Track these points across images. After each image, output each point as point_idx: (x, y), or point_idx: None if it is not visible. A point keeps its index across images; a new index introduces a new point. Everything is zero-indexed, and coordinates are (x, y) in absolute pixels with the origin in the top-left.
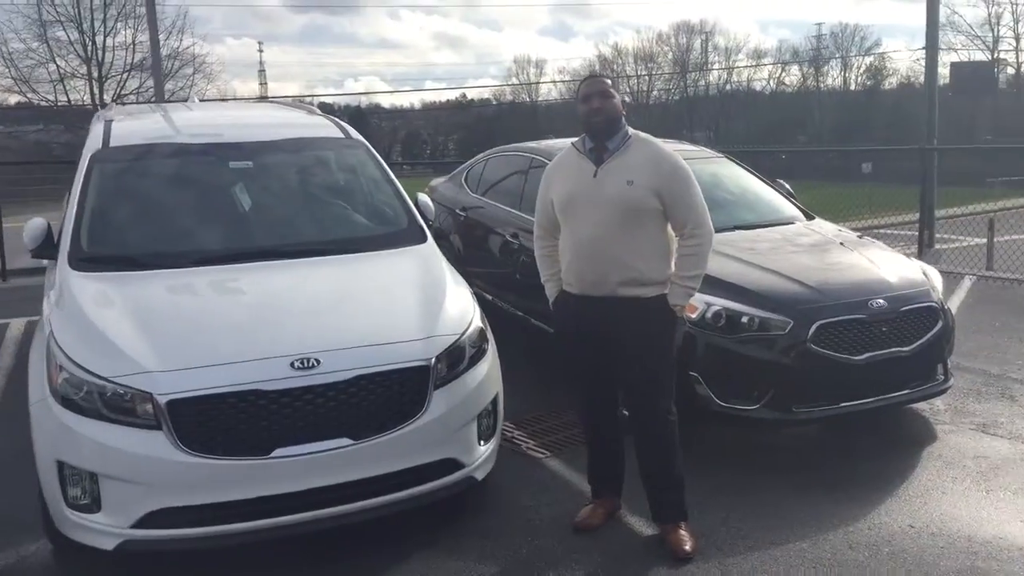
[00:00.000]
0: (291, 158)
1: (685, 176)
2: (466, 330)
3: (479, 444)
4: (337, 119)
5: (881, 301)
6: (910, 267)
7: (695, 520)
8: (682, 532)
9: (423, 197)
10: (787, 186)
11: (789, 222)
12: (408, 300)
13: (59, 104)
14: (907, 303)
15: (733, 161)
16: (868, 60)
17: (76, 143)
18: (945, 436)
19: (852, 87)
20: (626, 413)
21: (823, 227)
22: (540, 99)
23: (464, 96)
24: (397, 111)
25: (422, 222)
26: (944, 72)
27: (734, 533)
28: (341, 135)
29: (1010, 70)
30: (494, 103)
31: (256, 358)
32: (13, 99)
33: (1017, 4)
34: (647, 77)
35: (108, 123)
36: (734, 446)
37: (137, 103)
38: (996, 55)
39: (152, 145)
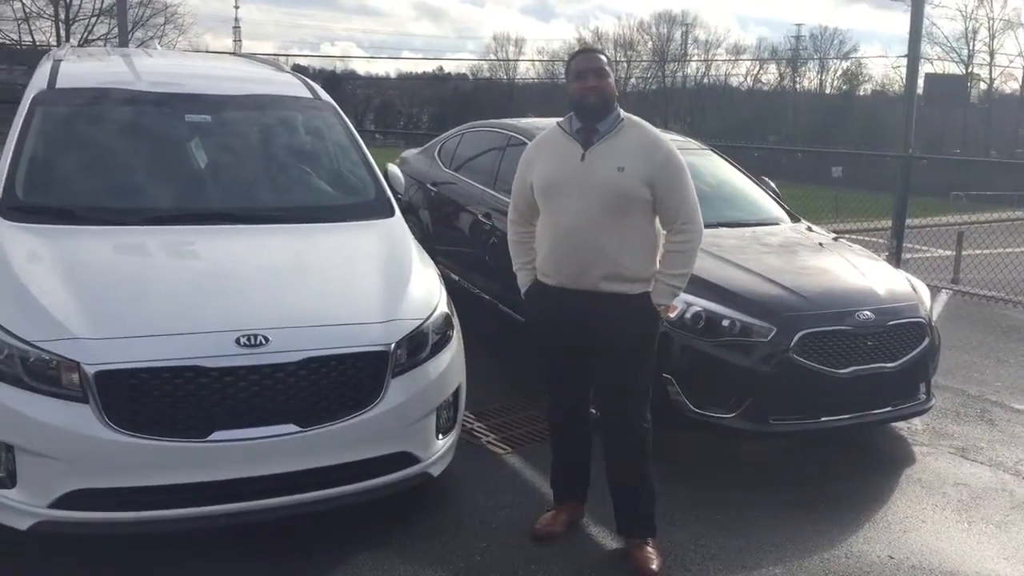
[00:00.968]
0: (253, 115)
1: (679, 166)
2: (430, 315)
3: (437, 438)
4: (305, 78)
5: (868, 313)
6: (898, 279)
7: (663, 535)
8: (649, 549)
9: (393, 168)
10: (772, 185)
11: (775, 223)
12: (370, 279)
13: (23, 44)
14: (895, 317)
15: (718, 155)
16: (845, 65)
17: None
18: (924, 459)
19: (828, 91)
20: (595, 412)
21: (810, 231)
22: (517, 78)
23: (441, 69)
24: (372, 79)
25: (390, 195)
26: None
27: (704, 553)
28: (309, 95)
29: (983, 85)
30: (471, 78)
31: (198, 331)
32: None
33: (994, 20)
34: (626, 64)
35: (57, 63)
36: (705, 455)
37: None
38: (970, 69)
39: (102, 90)
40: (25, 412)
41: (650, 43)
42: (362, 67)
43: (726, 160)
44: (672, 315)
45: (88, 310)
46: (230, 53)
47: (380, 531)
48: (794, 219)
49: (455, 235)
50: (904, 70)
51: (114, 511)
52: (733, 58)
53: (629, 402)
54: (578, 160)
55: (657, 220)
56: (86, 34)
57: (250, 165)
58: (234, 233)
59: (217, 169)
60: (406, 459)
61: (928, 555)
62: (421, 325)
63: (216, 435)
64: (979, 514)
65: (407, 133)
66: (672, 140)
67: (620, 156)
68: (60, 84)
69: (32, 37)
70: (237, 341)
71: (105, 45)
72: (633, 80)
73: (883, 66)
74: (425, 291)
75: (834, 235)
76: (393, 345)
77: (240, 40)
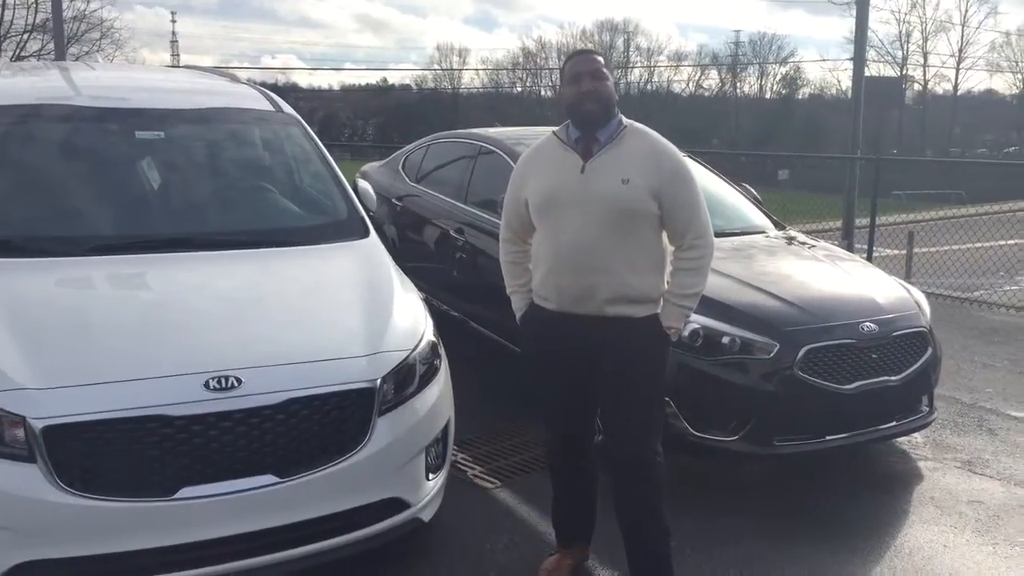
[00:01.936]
0: (210, 131)
1: (688, 177)
2: (417, 345)
3: (427, 479)
4: (265, 90)
5: (872, 325)
6: (895, 287)
7: (679, 573)
8: None
9: (363, 184)
10: (753, 191)
11: (760, 231)
12: (349, 308)
13: None
14: (898, 327)
15: (695, 160)
16: (784, 70)
17: None
18: (931, 475)
19: (768, 95)
20: (599, 438)
21: (798, 239)
22: (462, 88)
23: (385, 80)
24: (315, 92)
25: (363, 213)
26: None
27: None
28: (270, 107)
29: (916, 86)
30: (415, 89)
31: (161, 375)
32: None
33: (927, 23)
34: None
35: None
36: (707, 481)
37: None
38: (904, 71)
39: (41, 106)
40: None
41: None
42: (304, 79)
43: (704, 166)
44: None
45: (32, 356)
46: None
47: None
48: (779, 226)
49: (423, 251)
50: (842, 74)
51: None
52: (675, 64)
53: (639, 434)
54: (577, 172)
55: (664, 236)
56: (18, 51)
57: (209, 185)
58: (194, 261)
59: (172, 191)
60: (396, 505)
61: None
62: (408, 357)
63: (184, 492)
64: (1001, 535)
65: (351, 145)
66: None
67: (624, 167)
68: None
69: None
70: (206, 385)
71: (39, 60)
72: None
73: (820, 70)
74: (410, 319)
75: (822, 243)
76: (379, 380)
77: (178, 54)
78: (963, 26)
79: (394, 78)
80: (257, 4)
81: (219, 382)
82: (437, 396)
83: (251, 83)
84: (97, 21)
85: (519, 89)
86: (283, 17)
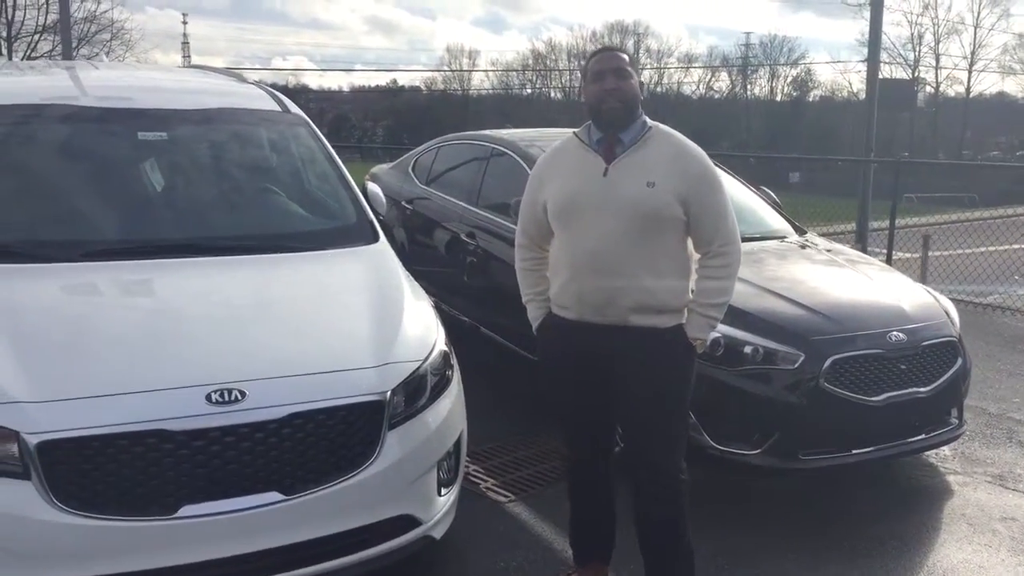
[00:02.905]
0: (215, 132)
1: (716, 182)
2: (428, 355)
3: (439, 494)
4: (273, 90)
5: (900, 334)
6: (922, 294)
7: None
8: None
9: (373, 187)
10: (772, 195)
11: (781, 236)
12: (358, 316)
13: None
14: (927, 337)
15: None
16: (794, 72)
17: None
18: (961, 490)
19: (778, 97)
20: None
21: (820, 244)
22: (472, 89)
23: (395, 82)
24: (325, 93)
25: (372, 218)
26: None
27: None
28: (277, 108)
29: (928, 89)
30: (425, 91)
31: (162, 387)
32: None
33: (939, 25)
34: (579, 74)
35: None
36: (728, 497)
37: None
38: (916, 74)
39: (42, 106)
40: None
41: None
42: (314, 81)
43: (722, 168)
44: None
45: (25, 366)
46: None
47: None
48: (799, 231)
49: (433, 255)
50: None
51: None
52: (685, 66)
53: (662, 451)
54: (600, 175)
55: (689, 242)
56: (29, 51)
57: (214, 188)
58: (198, 267)
59: (175, 193)
60: (406, 522)
61: None
62: (419, 367)
63: (185, 510)
64: None
65: (360, 147)
66: None
67: (649, 170)
68: None
69: None
70: (208, 398)
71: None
72: None
73: (831, 72)
74: (421, 328)
75: (844, 248)
76: (389, 393)
77: (189, 56)
78: (976, 28)
79: (404, 80)
80: (268, 6)
81: (222, 395)
82: (449, 408)
83: (258, 83)
84: (108, 22)
85: (529, 91)
86: (294, 19)
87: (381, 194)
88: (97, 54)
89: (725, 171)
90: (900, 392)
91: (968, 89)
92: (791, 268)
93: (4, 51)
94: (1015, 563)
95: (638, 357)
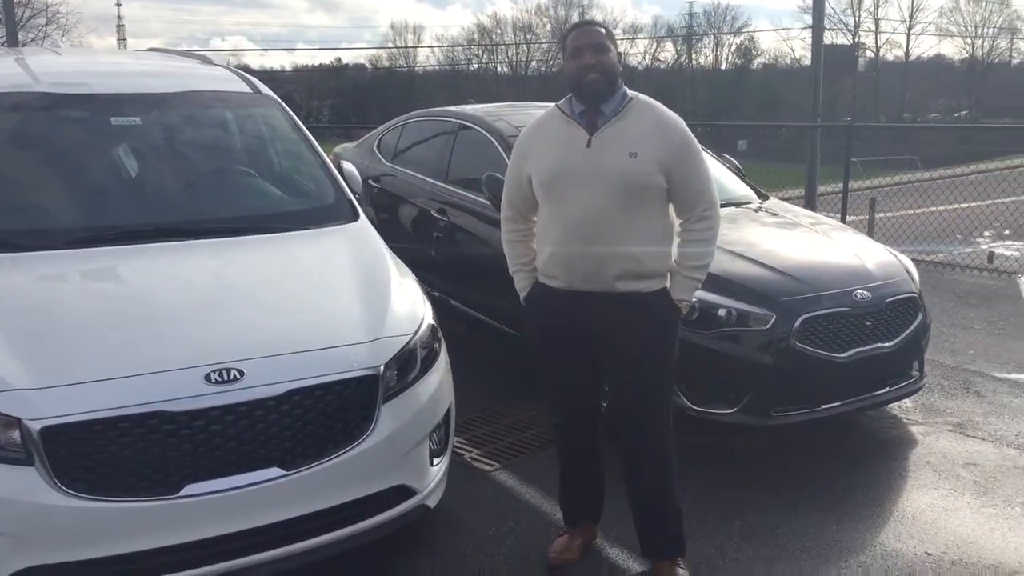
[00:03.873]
0: (189, 115)
1: (696, 149)
2: (418, 329)
3: (431, 464)
4: (241, 71)
5: (865, 292)
6: (885, 254)
7: (687, 548)
8: (680, 570)
9: (348, 166)
10: (735, 161)
11: (745, 202)
12: (347, 293)
13: None
14: (890, 294)
15: None
16: (738, 40)
17: None
18: (924, 439)
19: (723, 66)
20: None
21: (782, 208)
22: (418, 66)
23: (339, 60)
24: (267, 73)
25: (351, 196)
26: (807, 54)
27: (735, 566)
28: (248, 89)
29: (869, 53)
30: (370, 68)
31: (160, 370)
32: None
33: None
34: (525, 47)
35: None
36: (704, 453)
37: None
38: (856, 38)
39: (11, 95)
40: None
41: (548, 25)
42: (256, 61)
43: None
44: None
45: (23, 353)
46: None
47: (380, 572)
48: (761, 196)
49: (401, 231)
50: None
51: None
52: (630, 37)
53: (651, 411)
54: (583, 147)
55: (671, 209)
56: None
57: (191, 171)
58: (183, 251)
59: (153, 178)
60: (402, 493)
61: (964, 548)
62: (409, 342)
63: (188, 489)
64: (1000, 496)
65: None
66: None
67: (631, 140)
68: None
69: None
70: (207, 378)
71: None
72: (534, 63)
73: (774, 40)
74: (409, 303)
75: (807, 212)
76: (382, 367)
77: (124, 38)
78: None
79: (348, 58)
80: None
81: (220, 375)
82: (439, 381)
83: (226, 65)
84: (43, 6)
85: (475, 66)
86: None
87: (357, 173)
88: (34, 39)
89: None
90: (866, 348)
91: (907, 53)
92: (758, 233)
93: None
94: (979, 504)
95: (625, 321)
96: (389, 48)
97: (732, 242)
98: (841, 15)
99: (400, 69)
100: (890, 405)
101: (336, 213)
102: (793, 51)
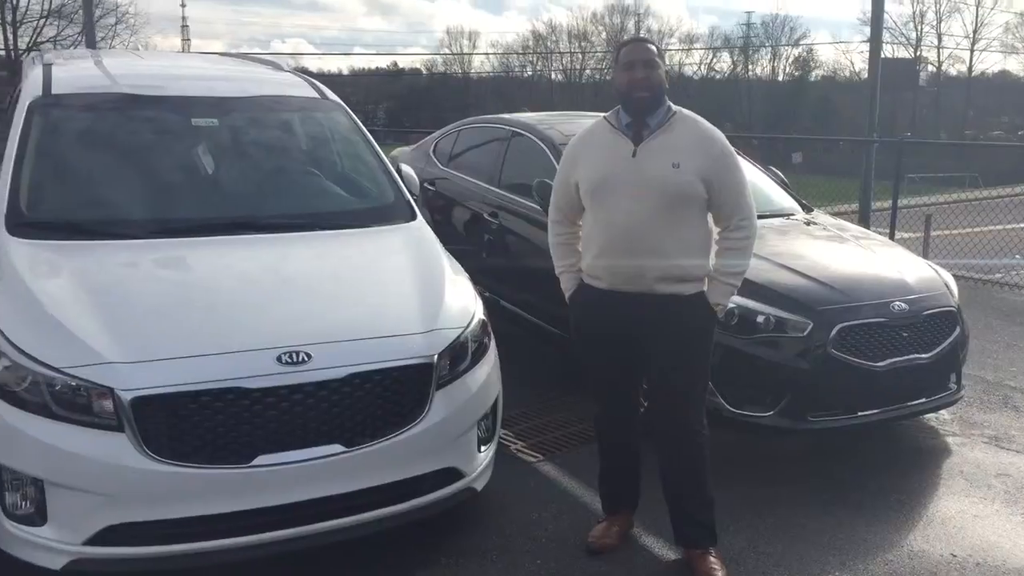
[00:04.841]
0: (262, 118)
1: (735, 161)
2: (469, 323)
3: (479, 450)
4: (309, 78)
5: (903, 304)
6: (924, 268)
7: (719, 541)
8: (712, 559)
9: (407, 169)
10: (780, 174)
11: (789, 213)
12: (404, 287)
13: None
14: (928, 307)
15: None
16: (796, 52)
17: None
18: (959, 449)
19: (780, 78)
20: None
21: (826, 221)
22: (472, 71)
23: (395, 64)
24: (325, 76)
25: (409, 197)
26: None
27: (765, 559)
28: (315, 94)
29: (931, 68)
30: (425, 73)
31: (237, 350)
32: None
33: (941, 3)
34: (580, 55)
35: (48, 67)
36: (744, 455)
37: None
38: (918, 53)
39: (102, 95)
40: (55, 444)
41: (604, 34)
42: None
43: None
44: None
45: (117, 332)
46: (222, 53)
47: (428, 550)
48: (806, 209)
49: (455, 234)
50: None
51: (155, 545)
52: (686, 47)
53: (686, 407)
54: (629, 157)
55: (709, 218)
56: (35, 36)
57: (263, 170)
58: (256, 243)
59: (230, 176)
60: (452, 475)
61: (990, 551)
62: (461, 334)
63: (260, 460)
64: None
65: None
66: None
67: (674, 152)
68: (57, 90)
69: None
70: (278, 359)
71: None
72: (588, 71)
73: (833, 52)
74: (462, 299)
75: (851, 226)
76: (436, 356)
77: (188, 39)
78: (978, 7)
79: (404, 62)
80: None
81: (291, 357)
82: (488, 373)
83: (294, 71)
84: (112, 7)
85: (529, 73)
86: (292, 1)
87: (415, 175)
88: (103, 39)
89: (738, 152)
90: (902, 358)
91: (970, 68)
92: (799, 243)
93: (9, 36)
94: (1008, 513)
95: (663, 322)
96: (445, 54)
97: (773, 252)
98: (903, 28)
99: (455, 75)
100: (927, 416)
101: (395, 213)
102: (852, 64)
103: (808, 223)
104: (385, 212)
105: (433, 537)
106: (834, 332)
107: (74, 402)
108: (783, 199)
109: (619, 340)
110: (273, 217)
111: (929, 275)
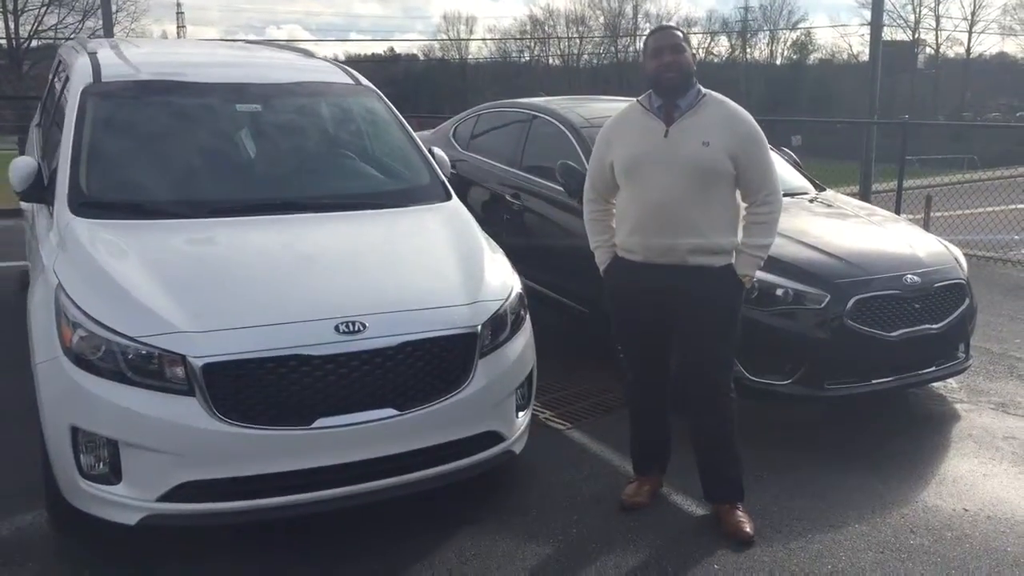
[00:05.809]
0: (301, 103)
1: (761, 139)
2: (509, 296)
3: (517, 416)
4: (342, 64)
5: (915, 277)
6: (934, 243)
7: (745, 497)
8: (739, 513)
9: (439, 151)
10: (793, 155)
11: (802, 192)
12: (448, 262)
13: None
14: (938, 279)
15: None
16: (794, 35)
17: None
18: (968, 415)
19: (778, 61)
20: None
21: (838, 199)
22: (470, 57)
23: (391, 50)
24: None
25: (444, 178)
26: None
27: (787, 513)
28: (350, 80)
29: (929, 50)
30: (422, 59)
31: (299, 320)
32: None
33: None
34: (578, 40)
35: (94, 55)
36: (764, 420)
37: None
38: (917, 35)
39: (150, 82)
40: (130, 407)
41: (601, 18)
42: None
43: None
44: None
45: (184, 303)
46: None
47: (471, 510)
48: (818, 188)
49: (477, 215)
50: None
51: (223, 501)
52: (685, 31)
53: (715, 373)
54: (661, 137)
55: (738, 194)
56: (36, 24)
57: (306, 153)
58: (308, 222)
59: (275, 158)
60: (493, 438)
61: (1000, 506)
62: (501, 307)
63: (320, 422)
64: None
65: None
66: None
67: (704, 131)
68: (107, 77)
69: None
70: (336, 328)
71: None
72: (586, 56)
73: (831, 35)
74: (501, 274)
75: (861, 203)
76: (480, 327)
77: (184, 26)
78: None
79: (400, 48)
80: None
81: (347, 326)
82: (524, 344)
83: (326, 58)
84: None
85: (527, 58)
86: None
87: (446, 157)
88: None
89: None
90: (914, 328)
91: (968, 50)
92: (815, 220)
93: (11, 24)
94: (1016, 472)
95: (694, 292)
96: (441, 39)
97: (790, 228)
98: (900, 11)
99: (452, 60)
100: (936, 384)
101: (431, 193)
102: (850, 47)
103: (822, 201)
104: (422, 192)
105: (476, 497)
106: (850, 304)
107: (147, 368)
108: (797, 179)
109: (652, 308)
110: (318, 198)
111: (939, 249)
